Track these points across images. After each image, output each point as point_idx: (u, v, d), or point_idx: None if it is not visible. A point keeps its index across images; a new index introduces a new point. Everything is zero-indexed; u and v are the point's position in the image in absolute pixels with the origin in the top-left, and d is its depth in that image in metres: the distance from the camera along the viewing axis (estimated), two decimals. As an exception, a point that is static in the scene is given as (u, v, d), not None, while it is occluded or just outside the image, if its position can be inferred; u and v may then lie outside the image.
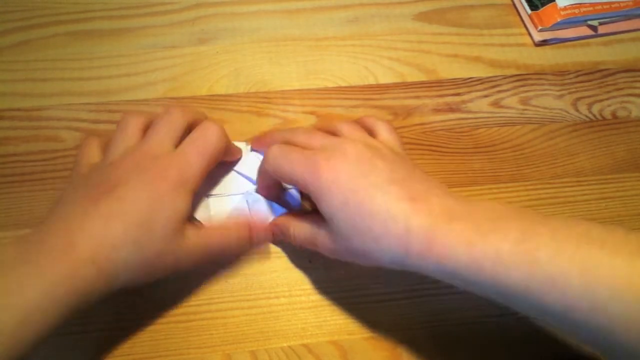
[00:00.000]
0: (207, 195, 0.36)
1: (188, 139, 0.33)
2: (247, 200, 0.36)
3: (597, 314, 0.23)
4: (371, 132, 0.35)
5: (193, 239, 0.31)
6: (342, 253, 0.31)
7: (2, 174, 0.38)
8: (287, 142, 0.33)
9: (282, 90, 0.44)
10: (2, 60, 0.44)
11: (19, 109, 0.41)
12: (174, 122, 0.33)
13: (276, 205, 0.36)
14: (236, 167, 0.37)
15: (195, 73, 0.44)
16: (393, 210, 0.27)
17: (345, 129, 0.34)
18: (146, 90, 0.43)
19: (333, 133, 0.34)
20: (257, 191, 0.36)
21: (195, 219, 0.35)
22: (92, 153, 0.34)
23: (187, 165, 0.31)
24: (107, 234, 0.28)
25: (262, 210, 0.36)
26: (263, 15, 0.47)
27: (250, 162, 0.37)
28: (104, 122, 0.41)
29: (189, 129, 0.34)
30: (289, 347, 0.33)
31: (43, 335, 0.25)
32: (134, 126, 0.33)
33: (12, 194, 0.38)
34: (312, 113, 0.43)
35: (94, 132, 0.40)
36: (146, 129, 0.33)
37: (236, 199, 0.36)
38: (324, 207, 0.29)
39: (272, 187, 0.36)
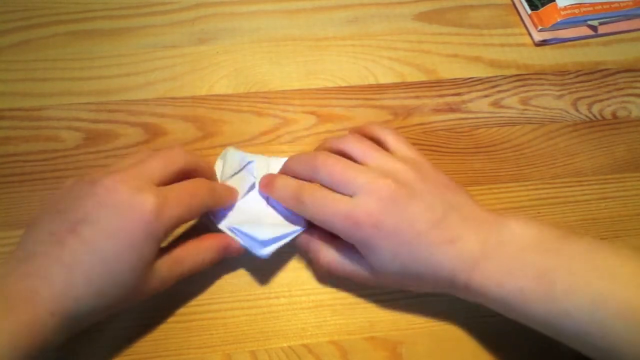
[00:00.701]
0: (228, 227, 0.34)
1: (177, 185, 0.31)
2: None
3: (607, 338, 0.26)
4: (379, 142, 0.35)
5: (163, 273, 0.30)
6: (386, 286, 0.33)
7: (2, 173, 0.38)
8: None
9: (282, 90, 0.44)
10: (3, 60, 0.44)
11: (19, 109, 0.41)
12: (170, 160, 0.31)
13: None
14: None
15: (195, 73, 0.44)
16: (439, 257, 0.30)
17: (359, 151, 0.33)
18: (146, 90, 0.43)
19: (342, 151, 0.33)
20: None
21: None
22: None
23: (164, 215, 0.29)
24: (69, 286, 0.27)
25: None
26: (263, 16, 0.47)
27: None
28: (103, 121, 0.41)
29: (183, 174, 0.32)
30: (289, 347, 0.33)
31: None
32: (140, 153, 0.32)
33: (12, 193, 0.38)
34: (312, 113, 0.43)
35: (93, 131, 0.40)
36: (176, 178, 0.32)
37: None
38: (374, 261, 0.31)
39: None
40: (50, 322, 0.26)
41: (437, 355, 0.33)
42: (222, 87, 0.43)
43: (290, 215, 0.34)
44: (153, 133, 0.41)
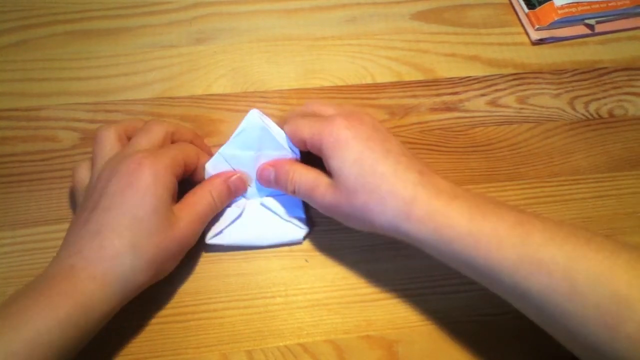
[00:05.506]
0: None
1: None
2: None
3: (574, 298, 0.24)
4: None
5: (184, 216, 0.32)
6: (340, 208, 0.32)
7: (0, 174, 0.39)
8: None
9: (280, 90, 0.44)
10: (0, 60, 0.44)
11: (16, 109, 0.41)
12: (153, 133, 0.34)
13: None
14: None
15: (193, 73, 0.44)
16: (403, 175, 0.29)
17: (336, 106, 0.36)
18: (143, 89, 0.43)
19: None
20: None
21: None
22: (82, 178, 0.34)
23: (159, 155, 0.32)
24: (101, 249, 0.29)
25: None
26: (261, 15, 0.47)
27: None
28: (101, 122, 0.41)
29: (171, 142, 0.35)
30: (285, 346, 0.33)
31: (57, 355, 0.26)
32: (107, 138, 0.34)
33: (10, 194, 0.38)
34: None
35: (91, 132, 0.40)
36: (122, 139, 0.34)
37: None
38: (336, 161, 0.31)
39: None
40: (90, 288, 0.28)
41: (433, 353, 0.33)
42: (219, 86, 0.43)
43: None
44: (150, 133, 0.41)
